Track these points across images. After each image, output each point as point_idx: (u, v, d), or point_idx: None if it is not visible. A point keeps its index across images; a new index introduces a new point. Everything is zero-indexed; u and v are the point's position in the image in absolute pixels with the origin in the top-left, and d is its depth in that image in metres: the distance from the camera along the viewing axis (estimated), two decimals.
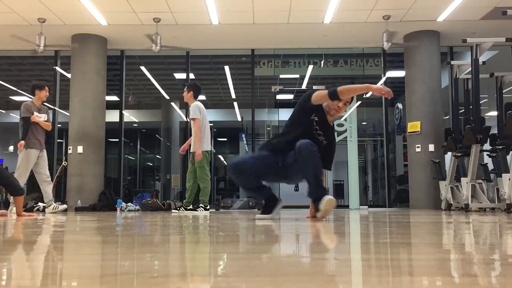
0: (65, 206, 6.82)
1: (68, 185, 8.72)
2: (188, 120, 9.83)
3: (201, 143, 6.35)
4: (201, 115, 6.41)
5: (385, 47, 8.24)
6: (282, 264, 1.33)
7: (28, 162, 6.27)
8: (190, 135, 6.66)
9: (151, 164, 17.54)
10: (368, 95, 10.25)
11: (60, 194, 9.72)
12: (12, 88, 12.94)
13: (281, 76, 10.77)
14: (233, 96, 13.35)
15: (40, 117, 6.35)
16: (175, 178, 12.24)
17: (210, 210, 6.72)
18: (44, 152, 6.45)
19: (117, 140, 9.93)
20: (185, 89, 6.59)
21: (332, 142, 4.00)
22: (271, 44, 9.50)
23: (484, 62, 7.38)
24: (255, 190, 4.08)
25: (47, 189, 6.44)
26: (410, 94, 8.92)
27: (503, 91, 7.53)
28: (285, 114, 13.23)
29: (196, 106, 6.42)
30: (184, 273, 1.19)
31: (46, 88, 6.48)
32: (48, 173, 6.47)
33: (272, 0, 7.44)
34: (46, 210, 6.54)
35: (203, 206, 6.50)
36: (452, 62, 8.00)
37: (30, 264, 1.38)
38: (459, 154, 7.19)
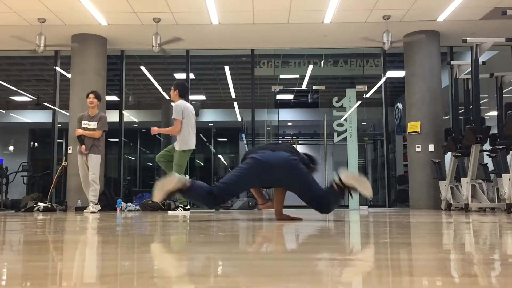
0: (98, 207, 6.79)
1: (68, 185, 8.70)
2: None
3: (183, 142, 6.26)
4: (184, 115, 6.33)
5: (385, 47, 8.23)
6: (282, 264, 1.33)
7: (77, 166, 6.82)
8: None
9: (151, 164, 17.51)
10: (368, 95, 10.25)
11: (60, 194, 9.72)
12: (12, 88, 12.94)
13: (281, 76, 10.76)
14: (233, 96, 13.34)
15: (89, 125, 6.73)
16: None
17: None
18: (92, 156, 6.65)
19: (117, 140, 9.93)
20: (172, 87, 6.56)
21: None
22: (271, 44, 9.49)
23: (484, 62, 7.37)
24: None
25: (89, 191, 6.69)
26: (410, 94, 8.91)
27: (503, 91, 7.51)
28: (285, 114, 13.24)
29: (179, 106, 6.33)
30: (184, 273, 1.18)
31: (89, 95, 6.88)
32: (92, 176, 6.64)
33: (272, 0, 7.44)
34: (90, 209, 6.67)
35: (182, 206, 6.45)
36: (452, 62, 7.99)
37: (31, 265, 1.38)
38: (459, 154, 7.19)
